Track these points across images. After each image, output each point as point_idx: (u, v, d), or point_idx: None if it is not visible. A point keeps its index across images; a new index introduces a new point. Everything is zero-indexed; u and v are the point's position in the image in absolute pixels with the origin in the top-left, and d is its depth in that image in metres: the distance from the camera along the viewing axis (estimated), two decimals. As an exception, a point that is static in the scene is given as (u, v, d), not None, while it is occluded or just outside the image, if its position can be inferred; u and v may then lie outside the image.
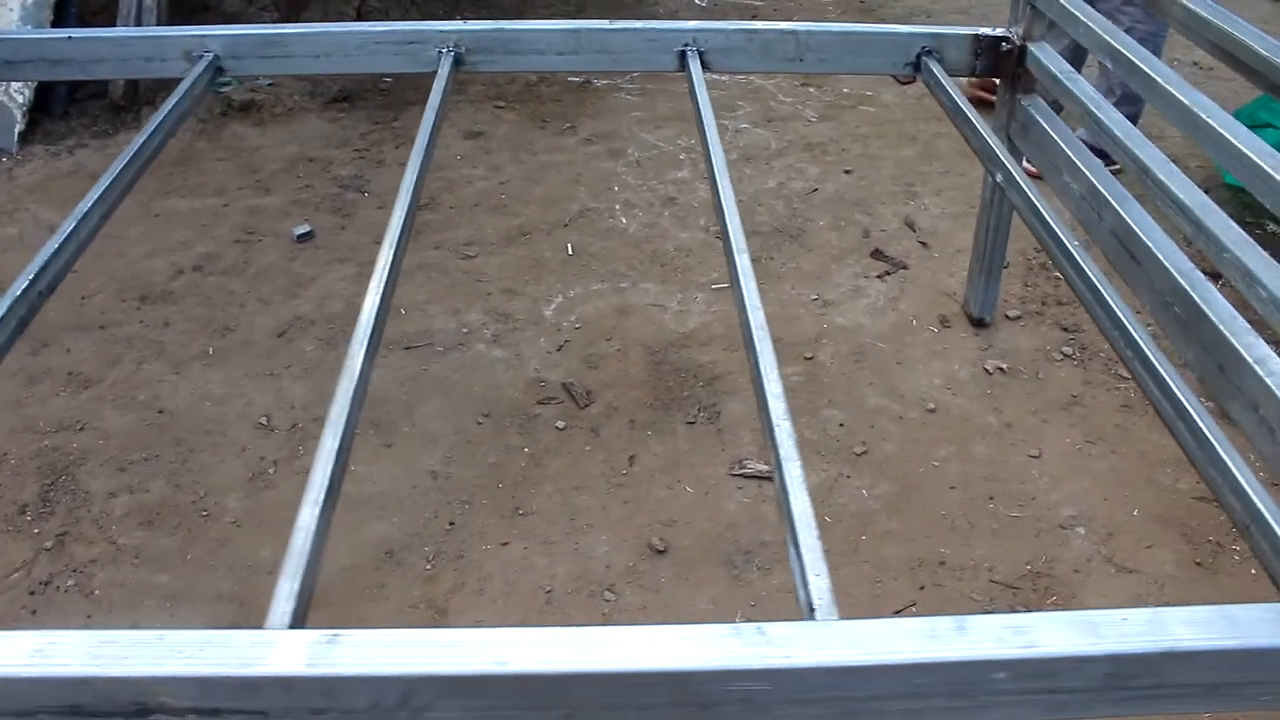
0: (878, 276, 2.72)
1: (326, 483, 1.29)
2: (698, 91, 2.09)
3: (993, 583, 1.96)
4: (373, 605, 1.96)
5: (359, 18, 3.76)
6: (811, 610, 1.09)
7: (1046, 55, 2.17)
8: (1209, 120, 1.64)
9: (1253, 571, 2.02)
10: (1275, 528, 1.26)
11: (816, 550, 1.16)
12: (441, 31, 2.23)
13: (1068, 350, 2.49)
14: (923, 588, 1.94)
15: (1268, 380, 1.49)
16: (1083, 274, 1.65)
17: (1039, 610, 1.92)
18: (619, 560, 2.00)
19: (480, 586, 1.97)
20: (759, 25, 2.20)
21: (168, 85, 2.68)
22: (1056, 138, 2.13)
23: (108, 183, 1.84)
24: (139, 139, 1.91)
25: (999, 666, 0.98)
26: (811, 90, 3.64)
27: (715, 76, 3.63)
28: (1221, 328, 1.60)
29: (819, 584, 1.11)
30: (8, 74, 2.29)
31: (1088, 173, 2.00)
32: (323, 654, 0.97)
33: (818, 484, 2.13)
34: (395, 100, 3.56)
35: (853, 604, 1.90)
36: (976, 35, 2.24)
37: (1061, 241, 1.72)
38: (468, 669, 0.96)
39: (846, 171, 3.18)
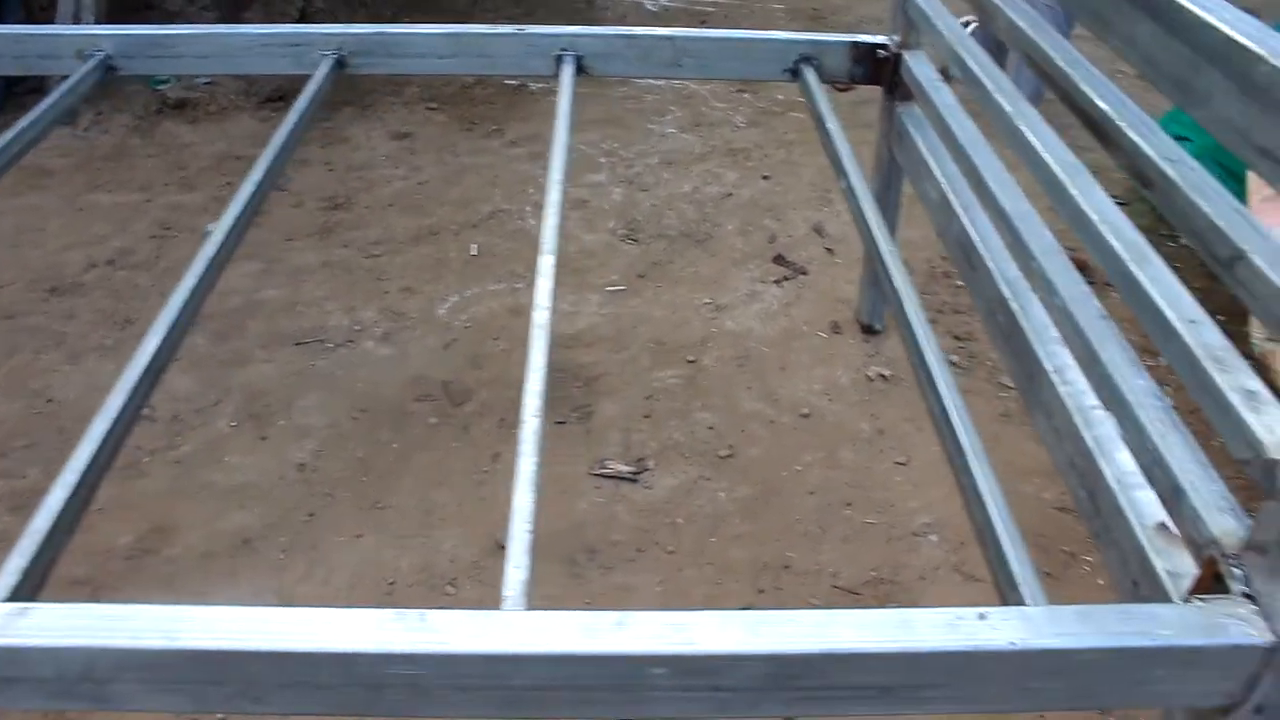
0: (775, 282, 2.73)
1: (84, 467, 1.32)
2: (561, 96, 2.11)
3: (834, 588, 1.96)
4: (223, 592, 1.98)
5: (302, 20, 3.80)
6: (501, 601, 1.11)
7: (918, 64, 2.18)
8: (1028, 135, 1.65)
9: (1100, 582, 2.01)
10: (1002, 539, 1.27)
11: (524, 545, 1.17)
12: (325, 35, 2.27)
13: (955, 359, 2.49)
14: (762, 591, 1.95)
15: (1060, 389, 1.50)
16: (891, 281, 1.67)
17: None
18: (465, 555, 2.02)
19: (327, 577, 1.99)
20: (637, 31, 2.22)
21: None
22: (922, 147, 2.14)
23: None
24: (8, 135, 1.95)
25: (657, 662, 0.99)
26: (746, 96, 3.66)
27: (651, 83, 3.67)
28: (1031, 337, 1.61)
29: (516, 576, 1.13)
30: (-94, 67, 2.35)
31: (942, 181, 2.02)
32: (9, 625, 1.00)
33: (676, 486, 2.15)
34: (329, 100, 3.60)
35: (688, 605, 1.91)
36: (854, 43, 2.25)
37: (879, 250, 1.73)
38: (141, 644, 0.99)
39: (765, 177, 3.19)
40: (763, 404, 2.35)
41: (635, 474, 2.17)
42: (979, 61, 1.90)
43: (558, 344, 2.53)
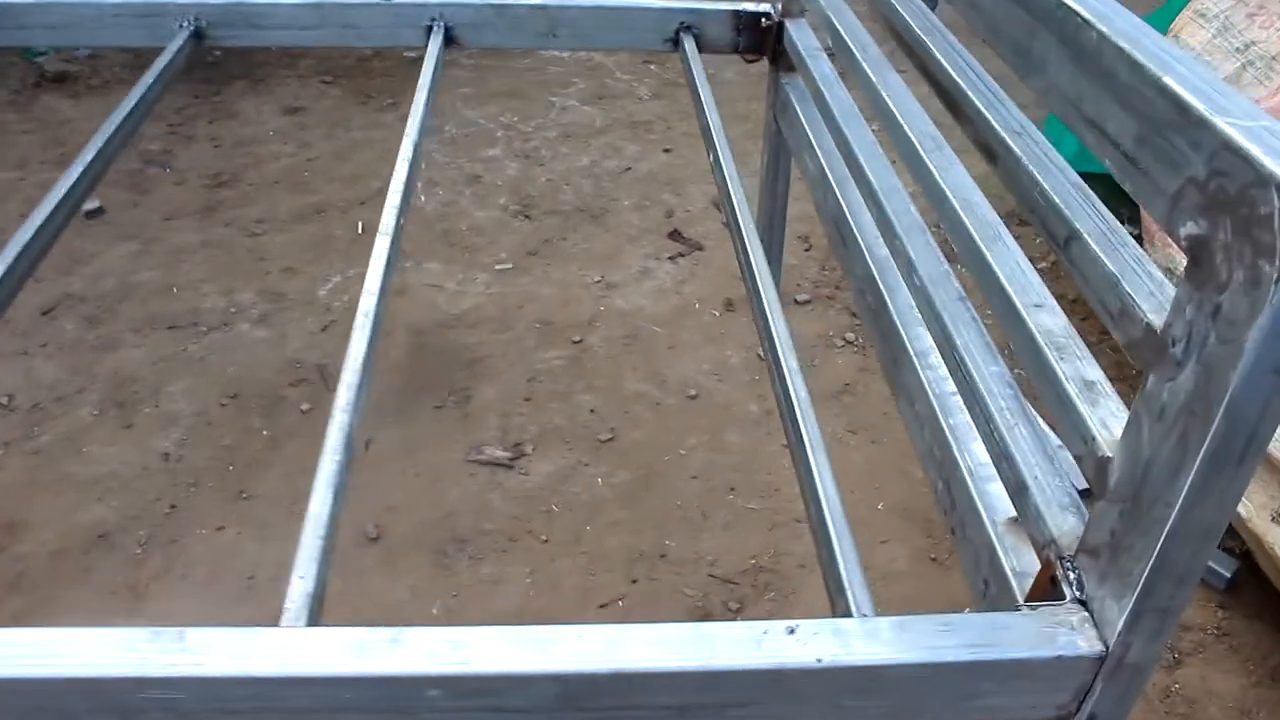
0: (670, 258, 2.66)
1: None
2: (425, 67, 2.02)
3: (711, 577, 1.90)
4: (73, 591, 1.89)
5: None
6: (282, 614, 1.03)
7: (799, 33, 2.10)
8: (890, 106, 1.58)
9: (983, 567, 1.97)
10: (834, 541, 1.20)
11: (314, 552, 1.09)
12: (181, 4, 2.15)
13: (851, 336, 2.44)
14: (635, 581, 1.89)
15: (922, 374, 1.44)
16: (747, 256, 1.60)
17: (752, 606, 1.87)
18: (329, 548, 1.94)
19: (185, 572, 1.90)
20: (509, 0, 2.13)
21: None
22: (803, 119, 2.07)
23: None
24: None
25: (432, 683, 0.92)
26: (652, 68, 3.57)
27: (557, 54, 3.57)
28: (896, 318, 1.55)
29: (299, 588, 1.05)
30: None
31: (820, 155, 1.95)
32: None
33: (552, 472, 2.07)
34: (220, 74, 3.47)
35: (559, 598, 1.84)
36: (737, 11, 2.17)
37: (739, 224, 1.66)
38: None
39: (666, 150, 3.11)
40: (649, 385, 2.29)
41: (512, 460, 2.10)
42: (849, 29, 1.83)
43: (441, 325, 2.45)
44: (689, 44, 2.14)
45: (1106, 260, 0.98)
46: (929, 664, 0.95)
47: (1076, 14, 0.98)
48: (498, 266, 2.62)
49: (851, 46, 1.76)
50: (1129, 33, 0.92)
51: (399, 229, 1.62)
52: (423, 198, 2.88)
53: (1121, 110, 0.92)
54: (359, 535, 1.95)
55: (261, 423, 2.19)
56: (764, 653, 0.94)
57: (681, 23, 2.16)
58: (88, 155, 1.80)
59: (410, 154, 1.79)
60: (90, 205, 2.80)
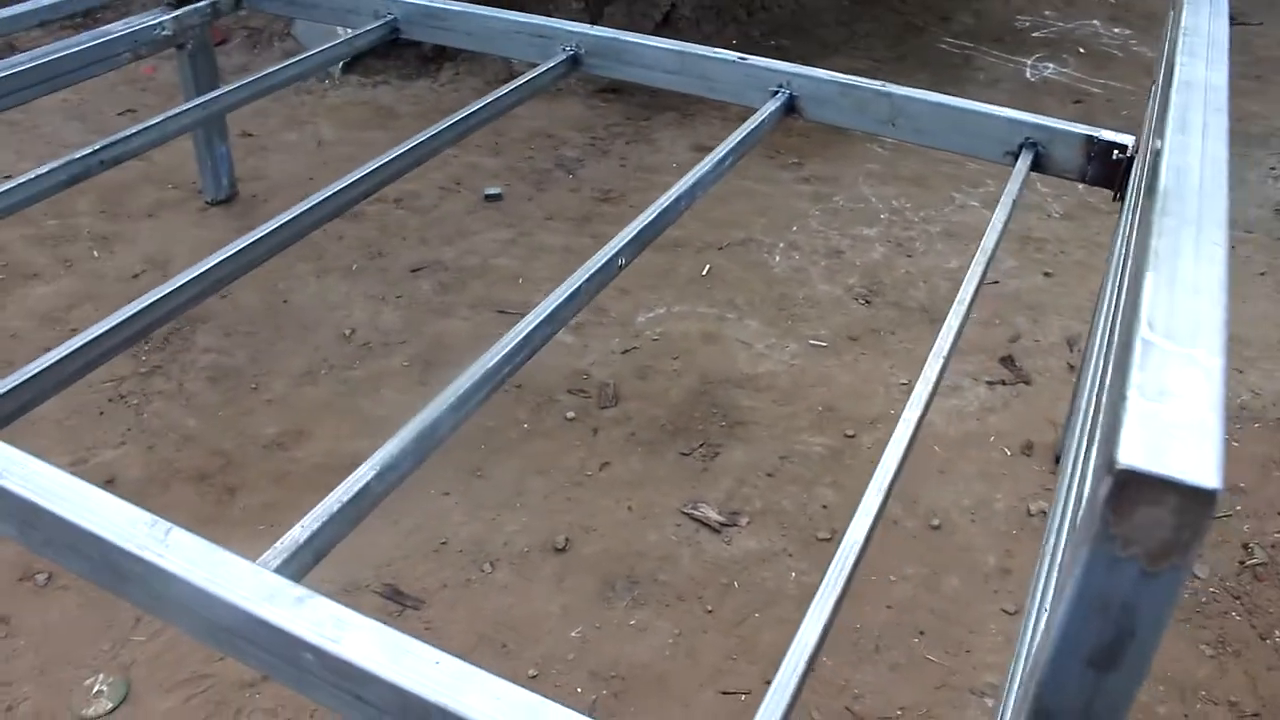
0: (988, 382, 2.47)
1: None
2: (748, 123, 2.06)
3: (848, 709, 1.77)
4: (310, 497, 2.13)
5: (664, 23, 3.93)
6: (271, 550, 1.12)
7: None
8: (1120, 284, 1.40)
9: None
10: None
11: (328, 511, 1.17)
12: (568, 31, 2.37)
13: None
14: (768, 682, 1.79)
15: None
16: (903, 418, 1.47)
17: (878, 754, 1.72)
18: (520, 542, 2.03)
19: (397, 519, 2.08)
20: (855, 80, 2.12)
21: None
22: (1113, 271, 1.86)
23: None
24: (294, 60, 2.22)
25: (309, 649, 0.97)
26: (1079, 188, 3.32)
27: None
28: (1046, 552, 1.38)
29: (292, 535, 1.14)
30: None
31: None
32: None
33: (753, 550, 2.03)
34: (656, 103, 3.70)
35: (690, 667, 1.80)
36: (1090, 137, 1.99)
37: (926, 374, 1.53)
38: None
39: (1046, 274, 2.89)
40: (895, 501, 2.15)
41: (721, 525, 2.08)
42: (1178, 175, 1.62)
43: (729, 381, 2.47)
44: (1024, 161, 2.01)
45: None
46: None
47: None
48: (812, 341, 2.58)
49: (1159, 194, 1.57)
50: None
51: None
52: (778, 258, 2.91)
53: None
54: (548, 542, 2.03)
55: (526, 416, 2.33)
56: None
57: (1027, 138, 2.03)
58: (413, 141, 2.04)
59: (680, 201, 1.83)
60: (493, 190, 3.13)
